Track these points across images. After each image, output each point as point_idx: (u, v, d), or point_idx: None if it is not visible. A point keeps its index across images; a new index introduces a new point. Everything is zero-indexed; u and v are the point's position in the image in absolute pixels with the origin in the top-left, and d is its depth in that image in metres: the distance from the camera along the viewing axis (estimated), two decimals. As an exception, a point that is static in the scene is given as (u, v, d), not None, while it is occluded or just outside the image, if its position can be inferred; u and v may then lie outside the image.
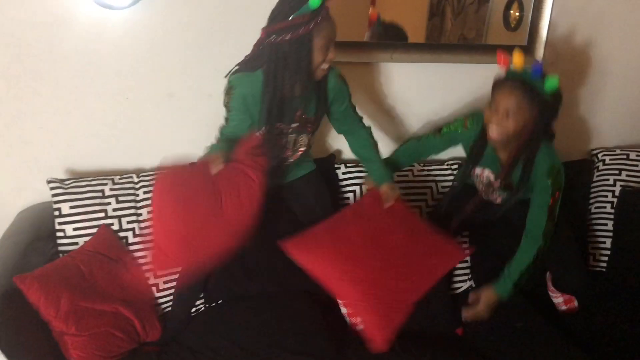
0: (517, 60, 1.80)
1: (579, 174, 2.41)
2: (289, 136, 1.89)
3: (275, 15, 1.67)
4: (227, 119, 1.84)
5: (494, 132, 1.83)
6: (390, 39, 2.27)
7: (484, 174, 2.05)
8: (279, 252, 2.08)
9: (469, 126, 2.02)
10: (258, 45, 1.76)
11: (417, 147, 2.18)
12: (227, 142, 1.83)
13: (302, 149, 1.96)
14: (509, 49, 2.35)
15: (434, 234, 1.92)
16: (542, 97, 1.76)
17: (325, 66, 1.73)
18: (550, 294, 2.21)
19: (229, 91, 1.78)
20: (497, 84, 1.84)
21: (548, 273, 2.19)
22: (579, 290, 2.07)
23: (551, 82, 1.75)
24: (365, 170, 2.10)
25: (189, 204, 1.62)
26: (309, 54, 1.67)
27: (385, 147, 2.40)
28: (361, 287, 1.75)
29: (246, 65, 1.78)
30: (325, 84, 1.83)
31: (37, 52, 1.96)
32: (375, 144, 2.02)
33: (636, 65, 2.54)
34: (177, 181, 1.65)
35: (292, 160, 1.98)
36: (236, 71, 1.79)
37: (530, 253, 1.89)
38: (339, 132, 2.04)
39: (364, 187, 2.17)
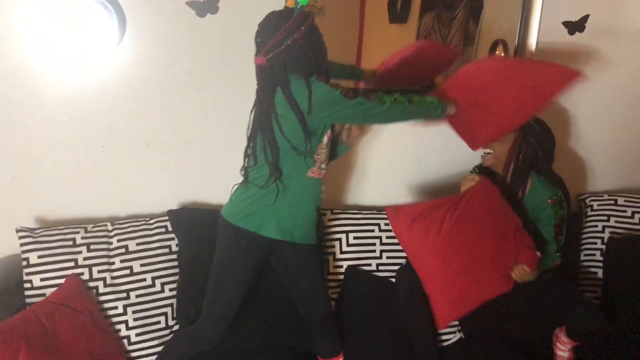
0: None
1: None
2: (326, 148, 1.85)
3: (274, 27, 1.67)
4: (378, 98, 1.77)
5: (485, 157, 2.12)
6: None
7: None
8: (262, 307, 2.05)
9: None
10: (260, 73, 1.72)
11: None
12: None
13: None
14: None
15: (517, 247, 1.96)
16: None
17: None
18: (559, 346, 2.14)
19: (315, 80, 1.70)
20: None
21: (557, 329, 2.14)
22: (601, 328, 2.01)
23: None
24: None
25: None
26: (323, 44, 1.73)
27: (381, 191, 2.40)
28: (447, 273, 1.94)
29: (278, 83, 1.70)
30: None
31: (9, 99, 1.94)
32: None
33: (621, 109, 2.53)
34: None
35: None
36: (276, 86, 1.70)
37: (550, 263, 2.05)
38: None
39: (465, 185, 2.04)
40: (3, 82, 1.92)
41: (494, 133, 1.98)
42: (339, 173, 2.33)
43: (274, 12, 1.71)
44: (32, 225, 2.02)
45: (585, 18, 2.36)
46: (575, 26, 2.37)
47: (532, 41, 2.31)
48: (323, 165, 1.85)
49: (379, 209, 2.31)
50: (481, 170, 2.20)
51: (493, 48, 2.35)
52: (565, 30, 2.37)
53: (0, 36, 1.88)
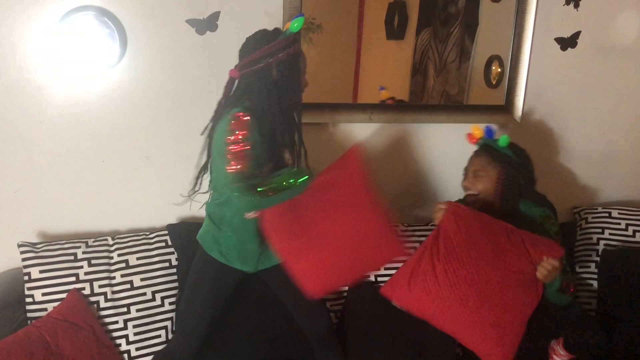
0: (475, 132, 2.03)
1: (562, 232, 2.38)
2: None
3: (255, 45, 1.67)
4: (248, 158, 1.62)
5: (469, 196, 2.00)
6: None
7: None
8: (263, 321, 2.06)
9: None
10: (230, 84, 1.73)
11: None
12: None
13: None
14: (487, 109, 2.40)
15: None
16: (503, 155, 1.96)
17: (303, 92, 1.75)
18: (556, 358, 2.15)
19: (242, 117, 1.62)
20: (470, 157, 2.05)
21: (553, 341, 2.15)
22: (599, 345, 2.03)
23: (503, 139, 1.97)
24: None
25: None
26: (299, 75, 1.69)
27: None
28: (471, 315, 1.76)
29: (235, 101, 1.71)
30: None
31: (12, 116, 1.97)
32: None
33: (613, 123, 2.57)
34: None
35: None
36: (233, 105, 1.69)
37: (570, 279, 1.93)
38: None
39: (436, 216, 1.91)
40: (6, 98, 1.94)
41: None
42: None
43: (263, 30, 1.72)
44: (34, 239, 2.04)
45: (577, 34, 2.41)
46: (567, 42, 2.42)
47: (525, 57, 2.35)
48: None
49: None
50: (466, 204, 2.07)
51: (488, 64, 2.39)
52: (558, 46, 2.42)
53: (2, 53, 1.90)
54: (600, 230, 2.39)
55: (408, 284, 1.81)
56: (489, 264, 1.75)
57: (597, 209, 2.46)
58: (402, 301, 1.86)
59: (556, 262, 1.75)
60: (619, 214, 2.41)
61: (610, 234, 2.37)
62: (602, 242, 2.36)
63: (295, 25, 1.66)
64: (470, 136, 2.04)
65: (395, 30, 2.25)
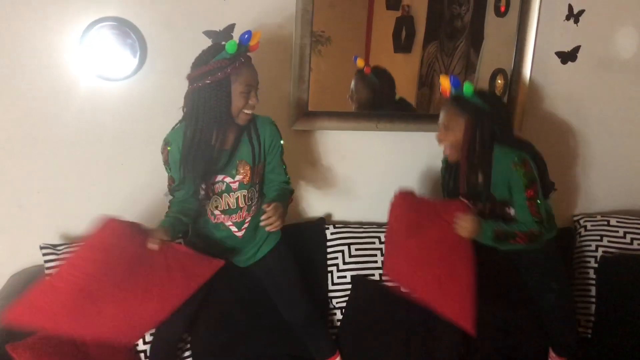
0: (443, 82, 1.99)
1: (561, 239, 2.44)
2: (238, 192, 1.87)
3: (196, 63, 1.73)
4: (171, 178, 1.85)
5: (443, 149, 2.02)
6: (382, 84, 2.37)
7: None
8: (262, 317, 2.12)
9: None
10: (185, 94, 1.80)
11: None
12: (179, 209, 1.85)
13: (255, 206, 1.94)
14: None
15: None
16: (470, 104, 1.92)
17: (247, 111, 1.76)
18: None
19: (163, 148, 1.80)
20: None
21: None
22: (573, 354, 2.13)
23: (467, 87, 1.94)
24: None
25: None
26: (227, 97, 1.70)
27: (373, 211, 2.48)
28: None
29: (182, 118, 1.81)
30: (257, 130, 1.85)
31: (36, 120, 2.04)
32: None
33: (613, 134, 2.64)
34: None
35: (250, 221, 1.94)
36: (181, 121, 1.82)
37: (523, 227, 1.91)
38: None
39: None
40: (31, 103, 2.02)
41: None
42: (341, 192, 2.45)
43: (214, 45, 1.78)
44: (56, 240, 2.10)
45: (577, 49, 2.48)
46: (567, 56, 2.49)
47: (527, 70, 2.43)
48: (217, 212, 1.88)
49: (379, 224, 2.40)
50: (447, 164, 2.13)
51: (493, 77, 2.46)
52: (558, 60, 2.49)
53: (29, 62, 1.98)
54: (599, 237, 2.45)
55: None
56: (416, 233, 1.93)
57: (596, 217, 2.53)
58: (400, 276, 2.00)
59: (463, 215, 1.88)
60: (617, 222, 2.48)
61: (608, 241, 2.43)
62: (600, 250, 2.42)
63: (229, 47, 1.68)
64: (442, 88, 2.00)
65: (402, 43, 2.31)
